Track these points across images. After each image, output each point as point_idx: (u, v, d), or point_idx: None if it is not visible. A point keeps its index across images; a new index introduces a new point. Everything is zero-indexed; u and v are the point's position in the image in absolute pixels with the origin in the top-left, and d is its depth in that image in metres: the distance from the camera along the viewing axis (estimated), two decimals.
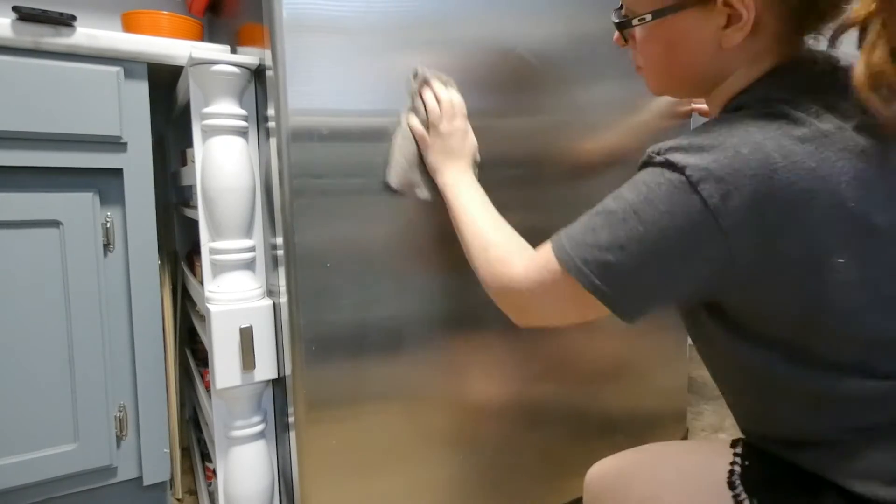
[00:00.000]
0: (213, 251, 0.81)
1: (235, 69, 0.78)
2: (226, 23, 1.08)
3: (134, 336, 0.93)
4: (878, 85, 0.44)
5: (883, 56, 0.43)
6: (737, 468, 0.57)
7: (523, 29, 0.88)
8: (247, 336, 0.78)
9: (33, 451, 0.86)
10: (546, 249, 0.56)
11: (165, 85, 1.02)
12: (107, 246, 0.91)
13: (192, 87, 0.81)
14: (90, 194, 0.88)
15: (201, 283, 0.87)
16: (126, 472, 0.94)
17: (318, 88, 0.72)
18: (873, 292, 0.47)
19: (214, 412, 0.83)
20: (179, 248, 1.40)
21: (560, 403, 0.98)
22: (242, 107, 0.81)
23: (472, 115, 0.79)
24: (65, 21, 0.82)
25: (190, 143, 0.86)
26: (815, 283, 0.46)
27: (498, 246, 0.65)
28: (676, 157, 0.47)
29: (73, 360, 0.88)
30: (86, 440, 0.89)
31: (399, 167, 0.78)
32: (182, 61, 0.91)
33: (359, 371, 0.78)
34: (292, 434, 0.77)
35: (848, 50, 0.50)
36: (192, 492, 1.19)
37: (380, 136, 0.77)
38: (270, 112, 0.75)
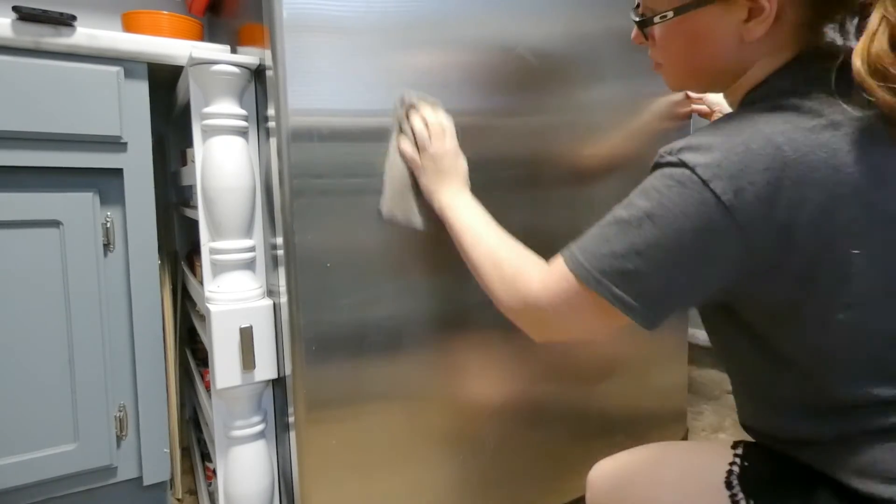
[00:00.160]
0: (213, 251, 0.81)
1: (235, 69, 0.78)
2: (226, 23, 1.08)
3: (134, 336, 0.93)
4: (877, 70, 0.43)
5: (883, 42, 0.43)
6: (735, 468, 0.57)
7: (523, 29, 0.88)
8: (247, 336, 0.78)
9: (33, 451, 0.86)
10: (559, 264, 0.54)
11: (165, 85, 1.02)
12: (107, 246, 0.91)
13: (192, 87, 0.81)
14: (90, 194, 0.88)
15: (201, 283, 0.87)
16: (126, 472, 0.94)
17: (318, 88, 0.72)
18: (890, 284, 0.47)
19: (214, 412, 0.83)
20: (179, 248, 1.40)
21: (560, 403, 0.98)
22: (242, 107, 0.81)
23: (472, 116, 0.79)
24: (65, 21, 0.82)
25: (190, 143, 0.86)
26: (830, 276, 0.46)
27: (510, 263, 0.62)
28: (688, 157, 0.47)
29: (73, 360, 0.88)
30: (86, 440, 0.89)
31: (392, 196, 0.77)
32: (182, 61, 0.91)
33: (359, 371, 0.78)
34: (292, 434, 0.78)
35: None
36: (193, 492, 1.19)
37: (380, 136, 0.77)
38: (270, 112, 0.75)
